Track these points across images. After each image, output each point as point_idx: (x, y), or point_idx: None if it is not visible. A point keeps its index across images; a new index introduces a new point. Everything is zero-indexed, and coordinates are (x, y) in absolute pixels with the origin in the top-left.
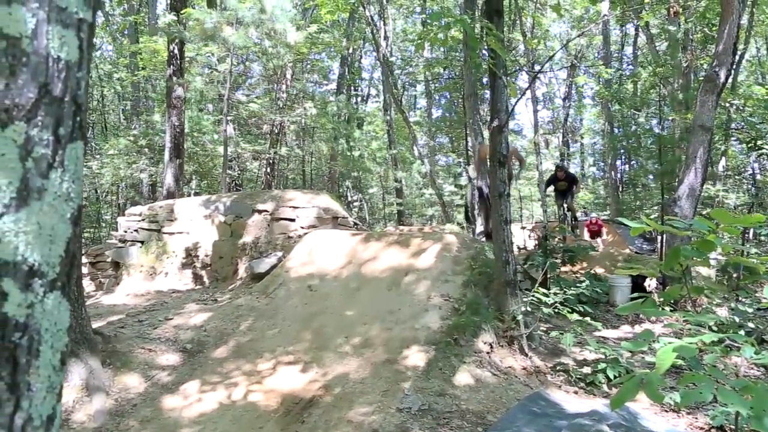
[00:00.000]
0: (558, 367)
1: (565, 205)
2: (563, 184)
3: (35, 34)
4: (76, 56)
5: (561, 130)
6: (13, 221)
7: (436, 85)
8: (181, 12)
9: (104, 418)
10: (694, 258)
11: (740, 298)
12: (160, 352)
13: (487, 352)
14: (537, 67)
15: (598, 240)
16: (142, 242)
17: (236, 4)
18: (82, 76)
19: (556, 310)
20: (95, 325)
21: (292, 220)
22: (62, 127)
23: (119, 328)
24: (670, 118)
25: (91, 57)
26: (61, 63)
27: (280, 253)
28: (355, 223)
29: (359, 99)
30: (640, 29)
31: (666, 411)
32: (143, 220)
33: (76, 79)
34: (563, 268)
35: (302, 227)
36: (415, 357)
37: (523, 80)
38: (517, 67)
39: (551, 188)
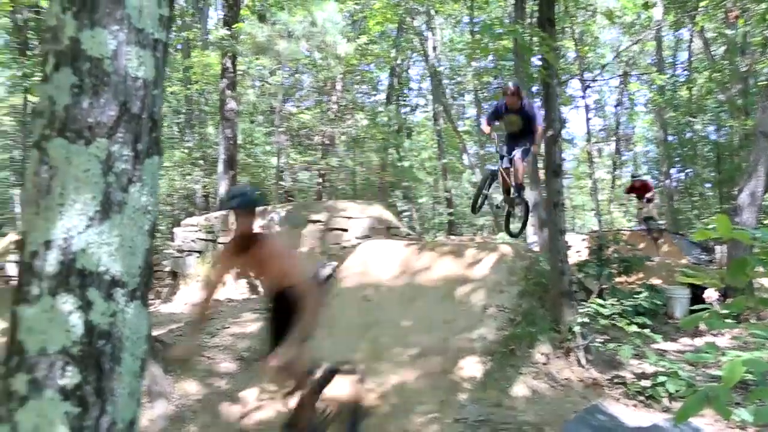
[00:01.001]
0: (616, 380)
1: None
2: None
3: (116, 55)
4: (153, 75)
5: (613, 138)
6: (97, 233)
7: (485, 94)
8: (234, 26)
9: (165, 423)
10: (761, 269)
11: None
12: (219, 360)
13: (544, 364)
14: (588, 75)
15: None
16: (199, 252)
17: (287, 17)
18: (157, 94)
19: (613, 322)
20: (155, 332)
21: (346, 230)
22: (140, 143)
23: (178, 336)
24: (729, 125)
25: (164, 75)
26: (139, 81)
27: (334, 263)
28: (408, 233)
29: (408, 109)
30: (695, 34)
31: (731, 428)
32: (200, 230)
33: (152, 97)
34: (618, 279)
35: (356, 237)
36: (472, 367)
37: (573, 88)
38: (568, 76)
39: None
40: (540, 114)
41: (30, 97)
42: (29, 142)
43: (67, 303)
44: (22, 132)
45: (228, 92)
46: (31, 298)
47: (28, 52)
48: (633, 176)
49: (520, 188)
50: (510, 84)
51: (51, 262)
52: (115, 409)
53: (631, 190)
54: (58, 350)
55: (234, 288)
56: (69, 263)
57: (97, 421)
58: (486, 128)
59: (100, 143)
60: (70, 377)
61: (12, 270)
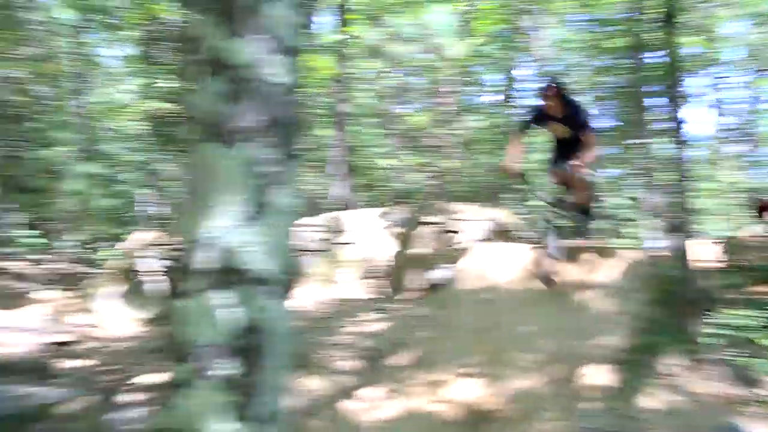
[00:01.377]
0: (752, 397)
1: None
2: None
3: (258, 63)
4: (291, 81)
5: (745, 139)
6: (247, 233)
7: (600, 93)
8: (345, 30)
9: (290, 417)
10: None
11: None
12: (339, 358)
13: (673, 375)
14: (714, 71)
15: None
16: (318, 251)
17: (397, 21)
18: (296, 99)
19: (747, 335)
20: None
21: (462, 232)
22: (283, 147)
23: (300, 333)
24: None
25: (298, 80)
26: (280, 87)
27: (451, 266)
28: (525, 237)
29: (520, 110)
30: None
31: None
32: (317, 230)
33: (292, 102)
34: (753, 288)
35: (473, 240)
36: (597, 376)
37: (696, 86)
38: (691, 73)
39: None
40: (590, 117)
41: (158, 104)
42: (157, 145)
43: (221, 299)
44: (152, 135)
45: (339, 95)
46: (188, 293)
47: (157, 61)
48: (759, 198)
49: (586, 211)
50: (549, 82)
51: (205, 260)
52: (266, 400)
53: (763, 209)
54: (215, 342)
55: (352, 288)
56: (222, 261)
57: (251, 410)
58: (509, 164)
59: (248, 147)
60: (226, 368)
61: (141, 265)
